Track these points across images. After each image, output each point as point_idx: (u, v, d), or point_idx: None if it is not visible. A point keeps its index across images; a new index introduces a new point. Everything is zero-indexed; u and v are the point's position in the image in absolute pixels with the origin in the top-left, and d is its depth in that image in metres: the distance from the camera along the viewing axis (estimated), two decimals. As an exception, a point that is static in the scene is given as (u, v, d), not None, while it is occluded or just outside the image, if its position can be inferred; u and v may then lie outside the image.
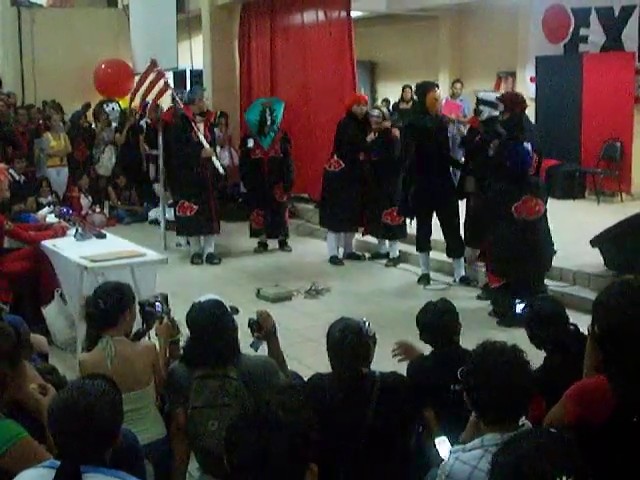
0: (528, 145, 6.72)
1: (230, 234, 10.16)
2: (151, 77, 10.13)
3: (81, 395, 2.24)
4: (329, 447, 2.93)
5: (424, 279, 7.94)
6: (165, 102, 11.98)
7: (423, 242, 7.90)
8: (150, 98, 10.65)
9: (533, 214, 6.60)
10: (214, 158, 8.88)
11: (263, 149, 9.34)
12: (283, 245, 9.67)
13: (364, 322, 3.45)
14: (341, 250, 9.05)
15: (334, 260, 8.91)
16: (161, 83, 9.96)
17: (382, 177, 8.48)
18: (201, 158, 8.82)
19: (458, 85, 13.34)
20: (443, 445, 2.58)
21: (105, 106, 13.94)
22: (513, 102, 7.01)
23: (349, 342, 3.21)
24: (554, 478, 1.80)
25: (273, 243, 9.70)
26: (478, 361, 2.51)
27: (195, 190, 8.99)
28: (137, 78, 11.17)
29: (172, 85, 11.48)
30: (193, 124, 8.85)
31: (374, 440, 3.17)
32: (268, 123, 9.29)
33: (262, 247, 9.67)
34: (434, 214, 7.78)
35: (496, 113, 7.07)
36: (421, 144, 7.53)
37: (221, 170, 8.90)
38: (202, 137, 8.85)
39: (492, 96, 7.43)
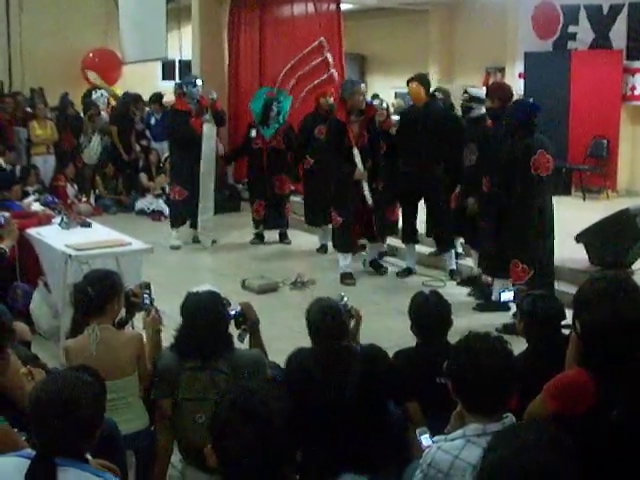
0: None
1: (219, 225, 10.13)
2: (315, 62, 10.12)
3: (64, 386, 2.19)
4: (311, 421, 2.99)
5: (406, 272, 7.96)
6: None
7: (411, 233, 7.92)
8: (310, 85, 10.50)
9: (546, 171, 6.01)
10: None
11: (264, 139, 9.18)
12: (283, 237, 9.52)
13: (342, 296, 3.54)
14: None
15: (322, 249, 8.92)
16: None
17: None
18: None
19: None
20: (425, 436, 2.59)
21: (94, 92, 13.80)
22: (504, 92, 6.73)
23: (328, 324, 3.37)
24: (545, 473, 1.79)
25: (270, 235, 9.54)
26: (463, 348, 2.53)
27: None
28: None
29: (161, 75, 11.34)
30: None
31: (356, 410, 3.19)
32: (273, 114, 9.11)
33: (258, 239, 9.51)
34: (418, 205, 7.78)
35: (483, 110, 6.91)
36: (407, 134, 7.56)
37: None
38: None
39: (481, 93, 7.22)
